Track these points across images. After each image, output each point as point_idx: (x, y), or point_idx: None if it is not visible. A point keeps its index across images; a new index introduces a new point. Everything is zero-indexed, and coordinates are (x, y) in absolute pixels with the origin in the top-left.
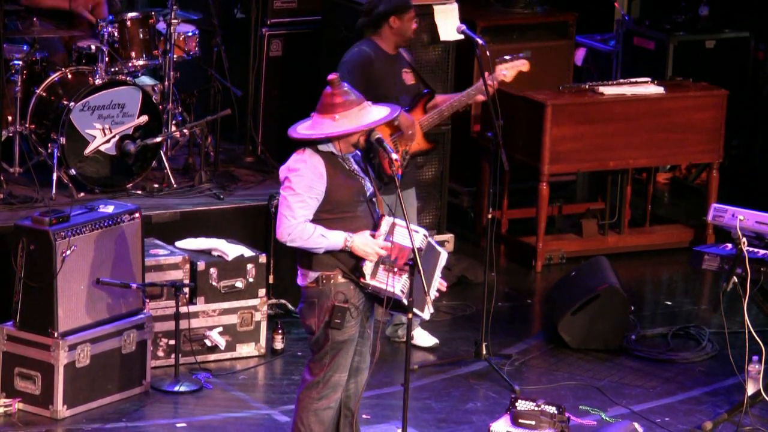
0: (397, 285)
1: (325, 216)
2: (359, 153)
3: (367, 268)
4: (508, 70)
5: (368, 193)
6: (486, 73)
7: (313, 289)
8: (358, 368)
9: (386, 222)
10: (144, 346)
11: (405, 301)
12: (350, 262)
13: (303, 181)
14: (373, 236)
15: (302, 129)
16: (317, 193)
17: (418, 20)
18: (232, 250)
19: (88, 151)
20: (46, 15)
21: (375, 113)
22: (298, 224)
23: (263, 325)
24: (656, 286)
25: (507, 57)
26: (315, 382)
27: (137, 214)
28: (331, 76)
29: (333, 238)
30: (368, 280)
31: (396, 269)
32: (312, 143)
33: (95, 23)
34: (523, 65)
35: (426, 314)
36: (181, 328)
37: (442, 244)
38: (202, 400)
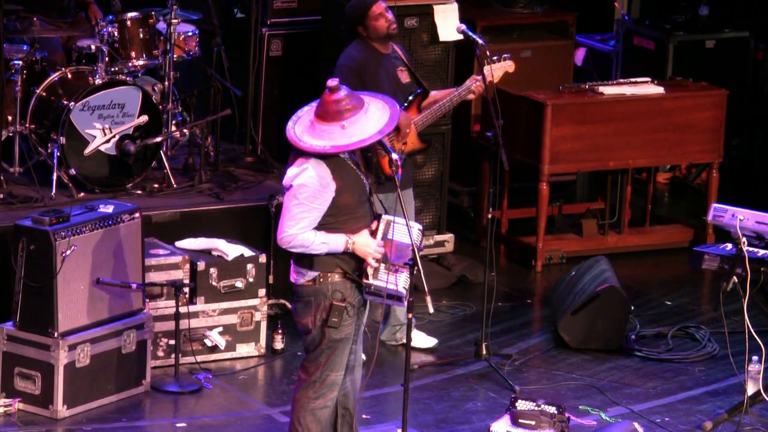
0: (400, 283)
1: (330, 220)
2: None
3: (369, 268)
4: (495, 71)
5: (367, 190)
6: (473, 76)
7: (310, 288)
8: (353, 367)
9: (383, 220)
10: (144, 346)
11: (405, 300)
12: (351, 262)
13: (308, 191)
14: (372, 235)
15: (309, 138)
16: (321, 203)
17: (389, 13)
18: (232, 250)
19: (88, 150)
20: (44, 7)
21: (378, 115)
22: (299, 234)
23: (263, 325)
24: (656, 285)
25: (494, 58)
26: (311, 382)
27: (137, 214)
28: (332, 83)
29: (334, 243)
30: (370, 279)
31: (397, 267)
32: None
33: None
34: (509, 66)
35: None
36: (181, 328)
37: (442, 243)
38: (202, 400)
